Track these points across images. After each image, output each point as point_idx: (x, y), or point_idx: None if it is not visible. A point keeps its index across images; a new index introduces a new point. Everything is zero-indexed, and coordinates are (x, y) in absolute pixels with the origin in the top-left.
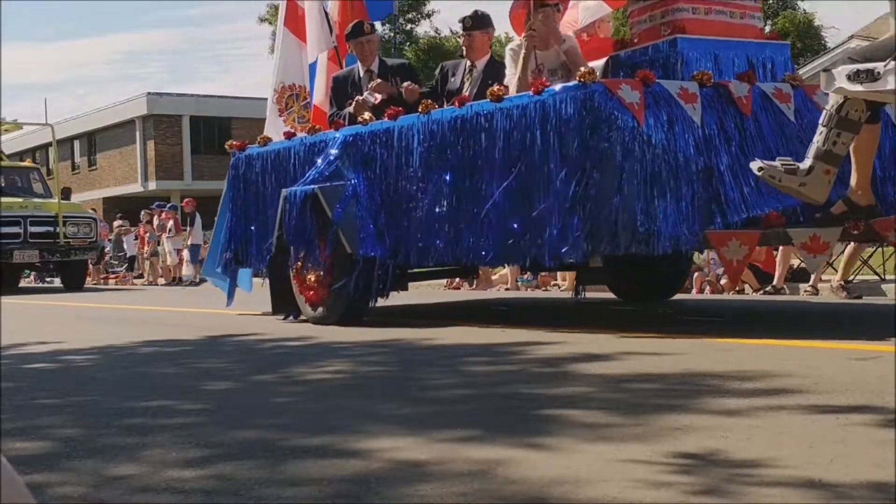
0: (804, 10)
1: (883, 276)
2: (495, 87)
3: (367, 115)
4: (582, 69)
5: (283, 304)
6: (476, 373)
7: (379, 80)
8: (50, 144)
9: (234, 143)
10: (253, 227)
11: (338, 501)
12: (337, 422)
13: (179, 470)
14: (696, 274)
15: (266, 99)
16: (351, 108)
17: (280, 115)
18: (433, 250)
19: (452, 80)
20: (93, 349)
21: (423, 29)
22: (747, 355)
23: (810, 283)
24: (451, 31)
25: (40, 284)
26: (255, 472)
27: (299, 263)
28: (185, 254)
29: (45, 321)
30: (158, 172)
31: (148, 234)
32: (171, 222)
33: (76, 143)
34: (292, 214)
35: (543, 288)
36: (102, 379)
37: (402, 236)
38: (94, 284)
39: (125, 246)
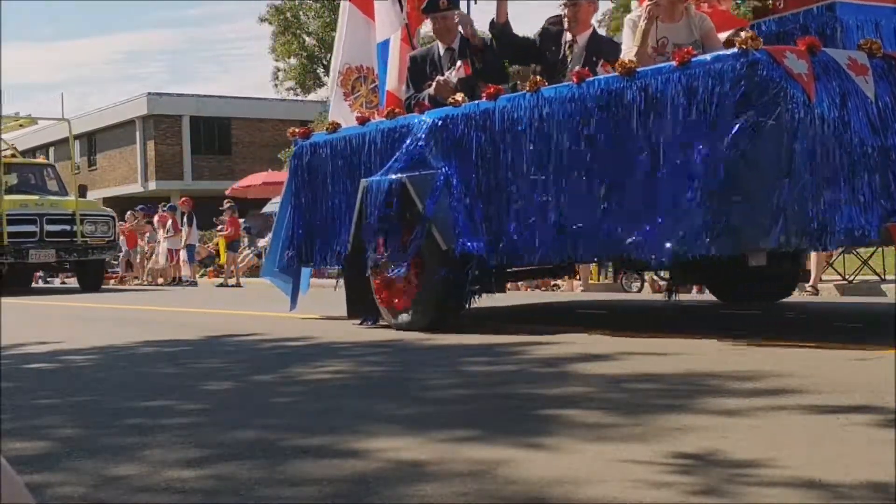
0: None
1: (883, 276)
2: (603, 64)
3: (459, 95)
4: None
5: (360, 307)
6: (476, 373)
7: (460, 62)
8: (63, 141)
9: (297, 129)
10: (319, 222)
11: (338, 501)
12: (337, 422)
13: (179, 470)
14: None
15: (266, 99)
16: (431, 90)
17: (346, 100)
18: (542, 246)
19: (548, 56)
20: (93, 349)
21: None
22: (747, 355)
23: (810, 283)
24: None
25: (43, 285)
26: (255, 472)
27: (382, 262)
28: (183, 254)
29: (45, 321)
30: (158, 172)
31: (148, 235)
32: (168, 222)
33: (76, 143)
34: (374, 207)
35: (543, 289)
36: (102, 379)
37: (504, 231)
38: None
39: (124, 247)
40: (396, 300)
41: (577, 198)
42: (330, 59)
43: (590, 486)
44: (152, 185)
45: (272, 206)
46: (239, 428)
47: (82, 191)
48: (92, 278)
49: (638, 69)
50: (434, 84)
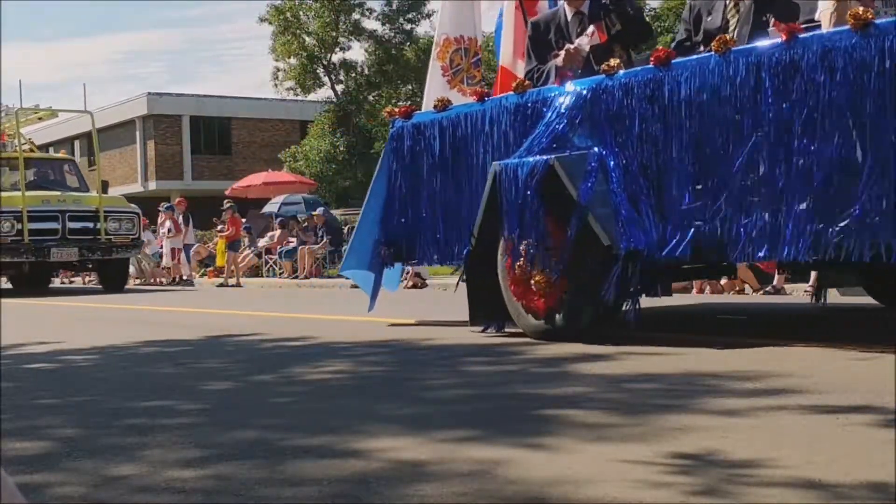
0: None
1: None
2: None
3: (614, 61)
4: None
5: (485, 311)
6: (476, 373)
7: (592, 27)
8: (84, 135)
9: (395, 108)
10: (425, 214)
11: (338, 501)
12: (337, 422)
13: (179, 470)
14: None
15: (266, 99)
16: (558, 61)
17: (444, 74)
18: (738, 241)
19: (709, 19)
20: (93, 349)
21: (423, 29)
22: (747, 355)
23: (810, 283)
24: None
25: (61, 285)
26: (255, 472)
27: (521, 259)
28: (182, 254)
29: (45, 321)
30: (158, 172)
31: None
32: (168, 222)
33: (76, 143)
34: (511, 195)
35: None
36: (102, 379)
37: (682, 223)
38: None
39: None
40: (539, 304)
41: (793, 182)
42: (330, 58)
43: (590, 486)
44: (152, 185)
45: (272, 206)
46: (239, 428)
47: (104, 186)
48: (115, 278)
49: (877, 22)
50: (563, 54)
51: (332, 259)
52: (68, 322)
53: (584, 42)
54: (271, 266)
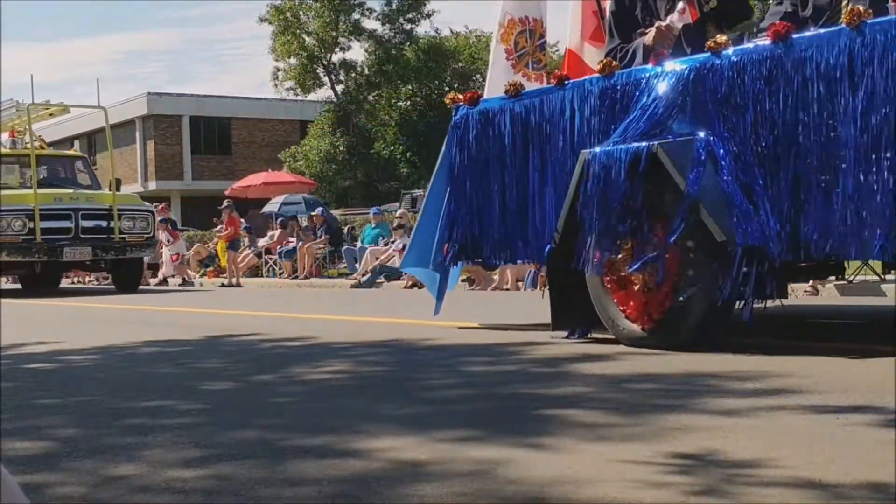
0: None
1: (883, 276)
2: None
3: (721, 37)
4: None
5: (569, 315)
6: (476, 373)
7: (683, 4)
8: (97, 131)
9: (458, 95)
10: (493, 208)
11: (338, 501)
12: (337, 422)
13: (179, 470)
14: None
15: (266, 99)
16: (647, 39)
17: (508, 58)
18: (861, 237)
19: None
20: (93, 349)
21: (423, 29)
22: (747, 355)
23: (810, 283)
24: (451, 30)
25: (73, 285)
26: (255, 472)
27: (618, 258)
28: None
29: (45, 321)
30: (158, 172)
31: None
32: (164, 234)
33: (76, 143)
34: (606, 185)
35: (544, 288)
36: (102, 379)
37: (798, 217)
38: (80, 284)
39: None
40: (635, 307)
41: None
42: (330, 58)
43: (590, 486)
44: (152, 185)
45: (272, 206)
46: (239, 428)
47: (117, 184)
48: (129, 278)
49: None
50: (652, 31)
51: (332, 259)
52: (68, 322)
53: (676, 19)
54: (271, 266)
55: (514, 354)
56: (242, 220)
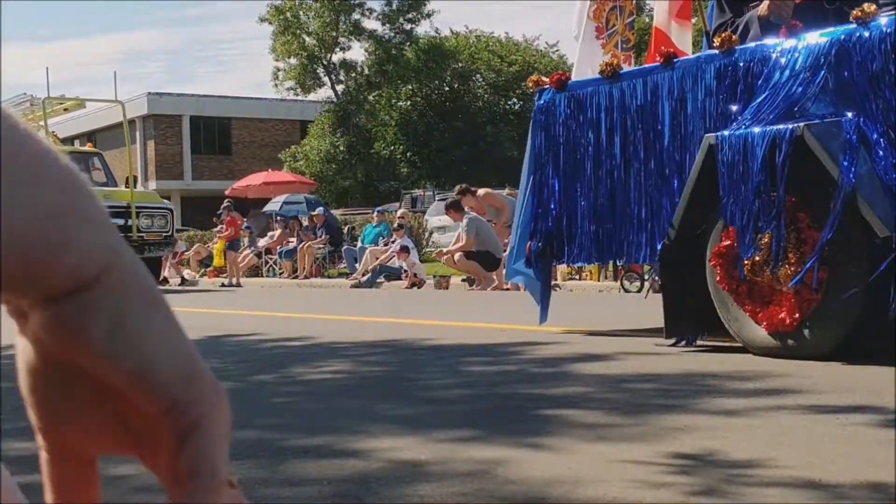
0: None
1: None
2: None
3: (868, 6)
4: None
5: (683, 321)
6: (476, 373)
7: None
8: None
9: (543, 77)
10: (585, 202)
11: (338, 501)
12: (337, 422)
13: None
14: None
15: (266, 99)
16: (761, 9)
17: (599, 37)
18: None
19: None
20: None
21: (423, 29)
22: (747, 355)
23: None
24: (451, 30)
25: None
26: (255, 472)
27: (756, 256)
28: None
29: None
30: (159, 172)
31: None
32: None
33: (76, 143)
34: (739, 173)
35: None
36: None
37: None
38: None
39: None
40: (773, 311)
41: None
42: (330, 58)
43: (590, 486)
44: (152, 185)
45: (272, 206)
46: (239, 428)
47: (134, 182)
48: None
49: None
50: (767, 2)
51: (332, 259)
52: None
53: None
54: (271, 266)
55: (514, 354)
56: (244, 219)
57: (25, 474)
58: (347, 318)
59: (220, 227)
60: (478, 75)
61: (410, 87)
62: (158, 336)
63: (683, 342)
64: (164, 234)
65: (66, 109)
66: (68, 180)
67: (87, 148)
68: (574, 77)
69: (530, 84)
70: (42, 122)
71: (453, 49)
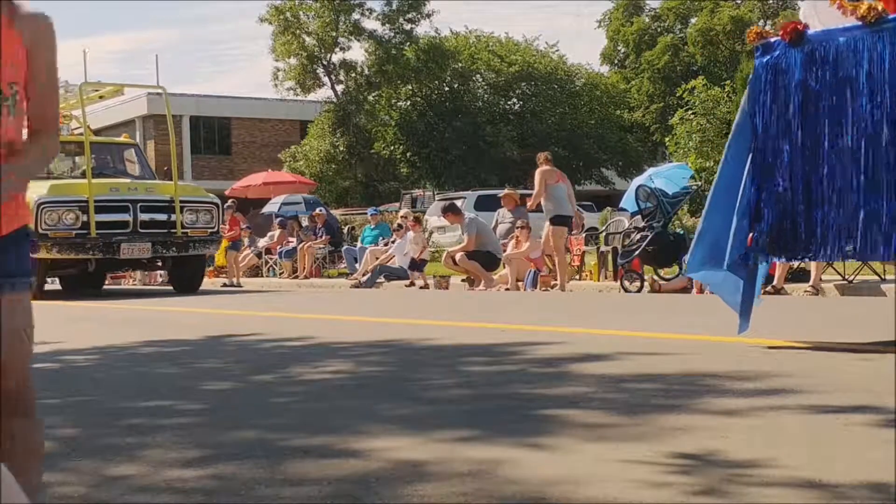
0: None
1: (883, 276)
2: None
3: None
4: None
5: None
6: (476, 373)
7: None
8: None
9: (762, 29)
10: (832, 181)
11: (338, 501)
12: (337, 422)
13: (179, 470)
14: None
15: (266, 99)
16: None
17: None
18: None
19: None
20: (93, 349)
21: (423, 29)
22: (747, 355)
23: (810, 283)
24: (451, 30)
25: (127, 286)
26: (255, 472)
27: None
28: None
29: (45, 321)
30: (158, 172)
31: None
32: None
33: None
34: None
35: (543, 288)
36: (102, 379)
37: None
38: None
39: None
40: None
41: None
42: (330, 58)
43: (590, 486)
44: None
45: (272, 206)
46: (239, 428)
47: (169, 174)
48: (190, 278)
49: None
50: None
51: (332, 259)
52: (68, 322)
53: None
54: (271, 266)
55: (514, 354)
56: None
57: None
58: (347, 318)
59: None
60: (478, 75)
61: (410, 87)
62: None
63: None
64: (210, 231)
65: (101, 97)
66: None
67: (123, 139)
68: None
69: (750, 37)
70: (74, 112)
71: (453, 49)
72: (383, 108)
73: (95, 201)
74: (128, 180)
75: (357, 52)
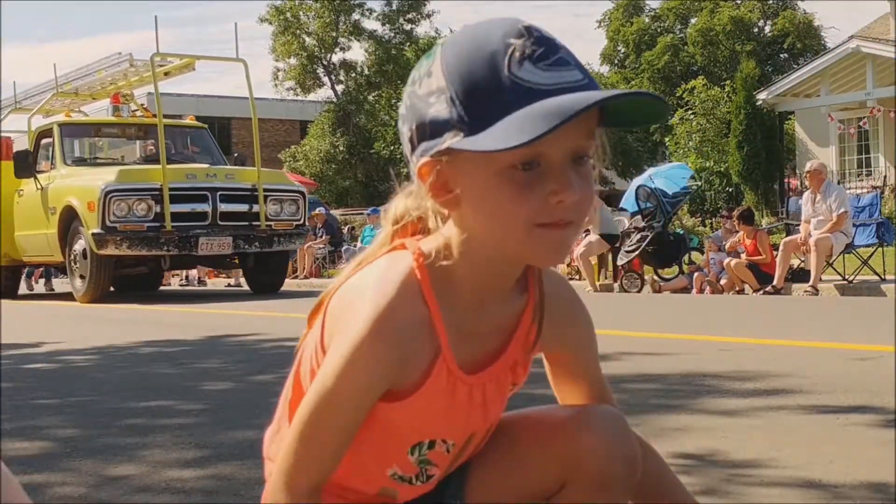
0: (804, 10)
1: (883, 276)
2: None
3: None
4: None
5: None
6: None
7: None
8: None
9: None
10: None
11: None
12: None
13: (179, 470)
14: (695, 274)
15: (266, 99)
16: None
17: None
18: None
19: None
20: (93, 349)
21: (423, 29)
22: (747, 355)
23: (810, 283)
24: (451, 30)
25: (196, 287)
26: (255, 472)
27: None
28: None
29: (45, 321)
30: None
31: None
32: None
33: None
34: None
35: None
36: (102, 379)
37: None
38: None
39: None
40: None
41: None
42: (330, 58)
43: None
44: None
45: None
46: (239, 428)
47: (241, 160)
48: (271, 276)
49: None
50: None
51: (332, 259)
52: (69, 322)
53: None
54: None
55: None
56: None
57: (25, 474)
58: None
59: None
60: None
61: None
62: None
63: None
64: (296, 223)
65: (166, 73)
66: None
67: (190, 121)
68: None
69: None
70: (155, 81)
71: None
72: (383, 108)
73: (170, 190)
74: (205, 166)
75: (357, 53)
